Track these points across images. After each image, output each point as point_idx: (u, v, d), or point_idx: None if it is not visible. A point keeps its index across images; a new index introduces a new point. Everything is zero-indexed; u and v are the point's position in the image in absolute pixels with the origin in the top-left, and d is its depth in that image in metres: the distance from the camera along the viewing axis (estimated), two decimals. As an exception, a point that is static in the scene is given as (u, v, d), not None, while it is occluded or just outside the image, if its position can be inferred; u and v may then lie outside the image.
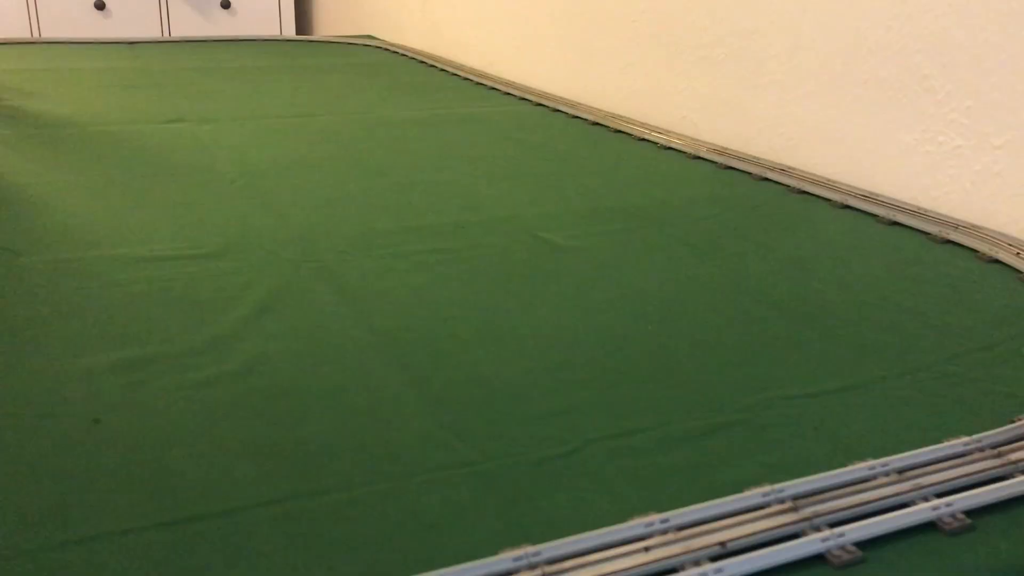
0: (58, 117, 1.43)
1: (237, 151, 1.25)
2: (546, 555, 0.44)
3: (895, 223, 0.99)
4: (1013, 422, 0.58)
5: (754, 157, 1.26)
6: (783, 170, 1.18)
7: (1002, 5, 0.95)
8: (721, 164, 1.24)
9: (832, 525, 0.47)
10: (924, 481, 0.51)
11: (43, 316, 0.71)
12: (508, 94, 1.76)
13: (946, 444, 0.55)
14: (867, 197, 1.06)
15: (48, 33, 2.71)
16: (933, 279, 0.85)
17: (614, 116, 1.53)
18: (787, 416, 0.59)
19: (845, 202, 1.06)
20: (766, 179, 1.17)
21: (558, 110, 1.60)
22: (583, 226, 0.97)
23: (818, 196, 1.09)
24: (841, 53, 1.16)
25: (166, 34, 2.87)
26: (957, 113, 1.02)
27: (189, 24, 2.90)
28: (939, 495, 0.50)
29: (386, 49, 2.39)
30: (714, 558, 0.44)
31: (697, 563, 0.44)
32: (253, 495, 0.49)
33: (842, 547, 0.46)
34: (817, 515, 0.47)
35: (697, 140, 1.36)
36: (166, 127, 1.39)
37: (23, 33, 2.69)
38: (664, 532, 0.46)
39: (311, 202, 1.03)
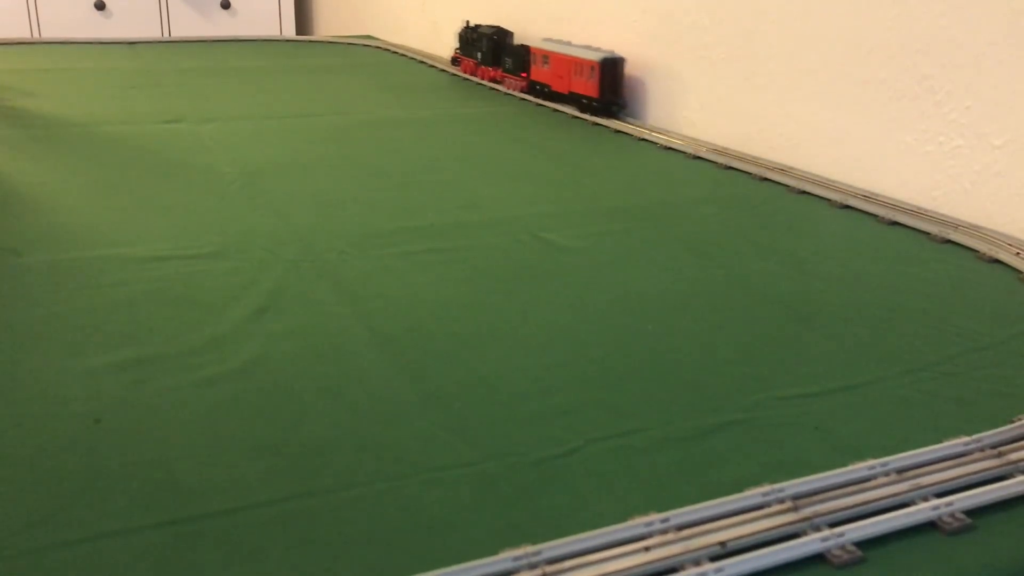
0: (58, 117, 1.43)
1: (237, 151, 1.25)
2: (546, 555, 0.44)
3: (895, 223, 0.99)
4: (1013, 422, 0.58)
5: (754, 157, 1.26)
6: (783, 170, 1.18)
7: (1002, 5, 0.95)
8: (721, 164, 1.24)
9: (832, 525, 0.47)
10: (924, 481, 0.51)
11: (43, 316, 0.71)
12: (508, 94, 1.76)
13: (946, 444, 0.55)
14: (867, 197, 1.06)
15: (48, 33, 2.71)
16: (933, 279, 0.85)
17: (614, 116, 1.53)
18: (787, 416, 0.59)
19: (845, 202, 1.06)
20: (766, 179, 1.17)
21: (558, 110, 1.60)
22: (583, 226, 0.97)
23: (818, 196, 1.09)
24: (841, 53, 1.16)
25: (166, 34, 2.87)
26: (957, 113, 1.02)
27: (189, 24, 2.90)
28: (939, 495, 0.50)
29: (386, 49, 2.39)
30: (714, 558, 0.44)
31: (697, 563, 0.44)
32: (253, 495, 0.49)
33: (842, 547, 0.46)
34: (817, 515, 0.47)
35: (697, 140, 1.36)
36: (166, 127, 1.39)
37: (23, 33, 2.69)
38: (664, 532, 0.46)
39: (311, 202, 1.03)
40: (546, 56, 1.62)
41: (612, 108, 1.51)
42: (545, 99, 1.64)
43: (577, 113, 1.55)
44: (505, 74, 1.79)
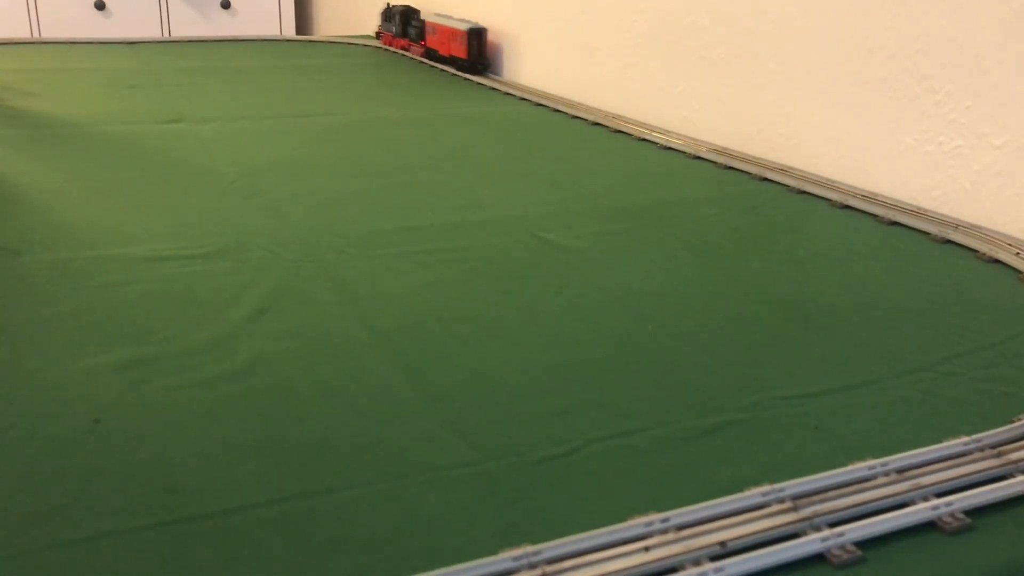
0: (58, 117, 1.43)
1: (237, 151, 1.25)
2: (546, 555, 0.44)
3: (895, 223, 0.99)
4: (1013, 422, 0.58)
5: (754, 157, 1.26)
6: (783, 170, 1.18)
7: (1002, 5, 0.95)
8: (721, 164, 1.24)
9: (832, 525, 0.47)
10: (924, 481, 0.51)
11: (43, 316, 0.71)
12: (508, 94, 1.76)
13: (946, 444, 0.55)
14: (867, 197, 1.06)
15: (48, 33, 2.71)
16: (933, 279, 0.85)
17: (614, 116, 1.53)
18: (787, 416, 0.59)
19: (845, 202, 1.06)
20: (766, 179, 1.17)
21: (558, 110, 1.60)
22: (583, 226, 0.97)
23: (818, 196, 1.09)
24: (841, 53, 1.16)
25: (166, 34, 2.87)
26: (957, 113, 1.02)
27: (189, 24, 2.91)
28: (939, 495, 0.50)
29: (386, 49, 2.39)
30: (714, 558, 0.44)
31: (697, 563, 0.44)
32: (253, 495, 0.49)
33: (842, 547, 0.46)
34: (817, 515, 0.47)
35: (697, 140, 1.36)
36: (166, 127, 1.39)
37: (23, 33, 2.69)
38: (664, 532, 0.46)
39: (311, 202, 1.03)
40: (434, 27, 2.10)
41: (478, 67, 1.95)
42: (435, 61, 2.10)
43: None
44: (411, 43, 2.24)
